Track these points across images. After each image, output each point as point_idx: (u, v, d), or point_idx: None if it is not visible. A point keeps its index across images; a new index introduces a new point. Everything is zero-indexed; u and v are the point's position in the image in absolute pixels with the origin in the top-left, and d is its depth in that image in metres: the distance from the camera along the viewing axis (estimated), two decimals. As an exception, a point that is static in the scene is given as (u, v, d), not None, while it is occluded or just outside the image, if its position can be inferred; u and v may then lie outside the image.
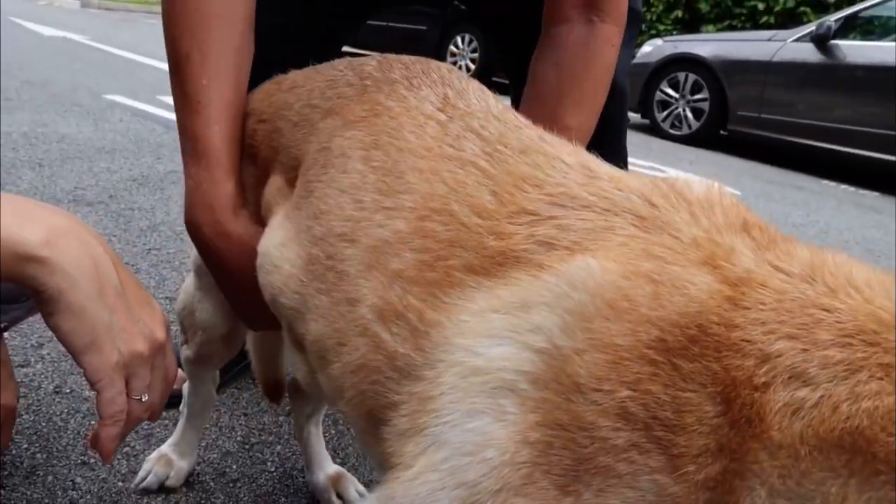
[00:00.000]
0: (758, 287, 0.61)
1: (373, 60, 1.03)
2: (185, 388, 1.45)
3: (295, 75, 1.12)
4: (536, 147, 0.82)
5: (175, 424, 1.66)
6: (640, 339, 0.61)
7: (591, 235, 0.70)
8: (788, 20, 10.37)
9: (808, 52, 7.22)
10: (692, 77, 7.96)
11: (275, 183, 1.04)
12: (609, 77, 1.30)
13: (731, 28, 11.52)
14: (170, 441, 1.48)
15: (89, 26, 10.15)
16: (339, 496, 1.46)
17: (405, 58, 1.02)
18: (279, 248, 0.95)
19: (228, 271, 1.06)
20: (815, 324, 0.57)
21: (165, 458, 1.45)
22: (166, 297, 2.30)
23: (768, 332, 0.58)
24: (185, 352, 1.34)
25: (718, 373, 0.58)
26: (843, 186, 6.85)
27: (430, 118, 0.89)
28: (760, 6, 11.31)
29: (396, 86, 0.95)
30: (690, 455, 0.57)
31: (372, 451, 0.93)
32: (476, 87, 0.96)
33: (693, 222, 0.69)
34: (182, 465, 1.46)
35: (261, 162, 1.08)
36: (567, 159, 0.80)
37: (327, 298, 0.85)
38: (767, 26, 10.58)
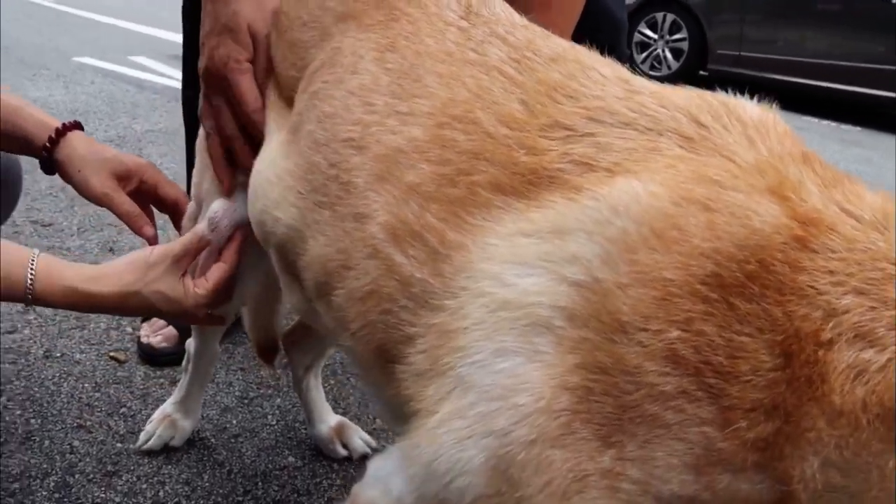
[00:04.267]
0: (826, 230, 0.55)
1: None
2: (189, 345, 1.42)
3: None
4: (569, 55, 0.74)
5: (171, 384, 1.63)
6: (692, 274, 0.55)
7: (634, 156, 0.63)
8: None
9: (786, -14, 7.15)
10: (670, 17, 7.87)
11: (273, 96, 0.97)
12: None
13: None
14: (172, 399, 1.45)
15: (53, -13, 9.83)
16: (344, 446, 1.43)
17: None
18: (277, 162, 0.88)
19: None
20: (886, 279, 0.51)
21: (169, 419, 1.42)
22: (152, 257, 2.25)
23: (836, 283, 0.52)
24: None
25: (779, 319, 0.52)
26: (826, 122, 6.83)
27: (451, 24, 0.81)
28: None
29: None
30: (742, 409, 0.52)
31: (379, 393, 0.86)
32: None
33: (750, 146, 0.62)
34: (185, 425, 1.43)
35: (279, 61, 1.00)
36: (603, 70, 0.72)
37: (329, 213, 0.77)
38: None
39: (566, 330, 0.58)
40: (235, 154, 1.03)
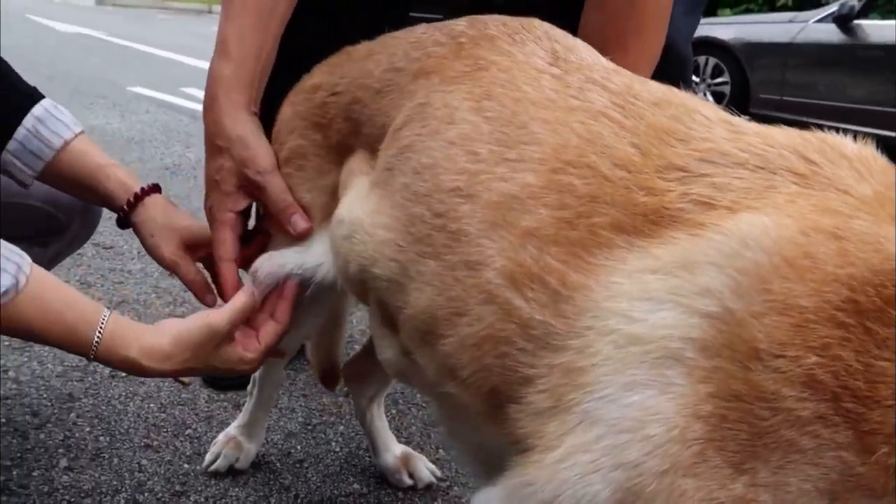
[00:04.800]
0: None
1: (461, 20, 0.97)
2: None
3: (368, 44, 1.07)
4: (671, 99, 0.76)
5: (235, 407, 1.65)
6: (827, 300, 0.55)
7: (752, 194, 0.64)
8: (806, 2, 10.25)
9: (829, 33, 7.13)
10: (713, 61, 7.89)
11: (359, 157, 1.00)
12: (661, 18, 1.22)
13: (749, 11, 11.39)
14: (237, 423, 1.46)
15: (104, 22, 10.15)
16: (410, 475, 1.43)
17: (499, 16, 0.95)
18: (371, 215, 0.89)
19: (206, 141, 1.09)
20: None
21: (234, 441, 1.43)
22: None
23: None
24: None
25: None
26: (869, 168, 6.78)
27: (543, 72, 0.83)
28: (777, -11, 11.20)
29: (497, 41, 0.89)
30: (883, 433, 0.52)
31: (470, 437, 0.87)
32: (583, 44, 0.90)
33: (861, 179, 0.63)
34: (250, 448, 1.44)
35: (334, 135, 1.04)
36: (706, 112, 0.74)
37: (436, 263, 0.78)
38: (785, 9, 10.47)
39: (698, 360, 0.59)
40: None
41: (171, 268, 1.15)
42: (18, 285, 0.93)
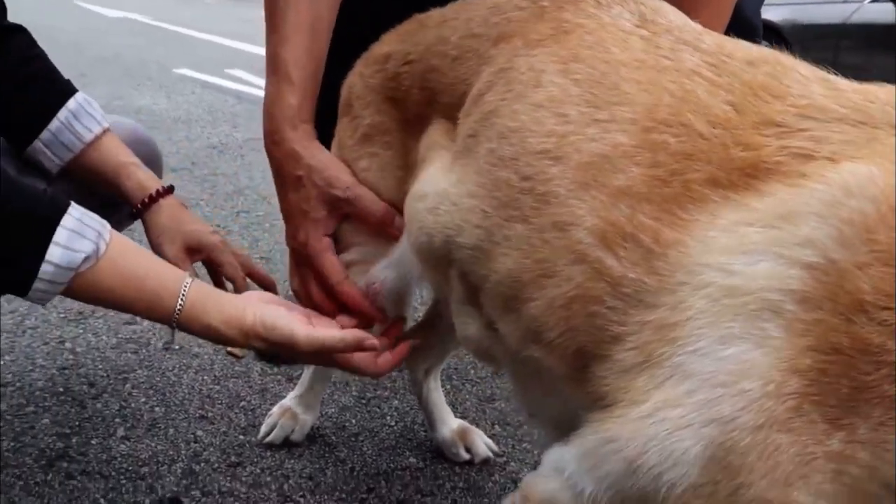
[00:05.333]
0: None
1: None
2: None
3: (441, 11, 1.04)
4: (766, 57, 0.74)
5: (288, 380, 1.64)
6: None
7: (853, 147, 0.62)
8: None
9: (885, 13, 6.94)
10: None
11: (437, 128, 0.98)
12: None
13: (798, -7, 11.13)
14: (293, 394, 1.45)
15: (150, 6, 10.25)
16: (468, 450, 1.41)
17: None
18: (456, 185, 0.88)
19: (279, 176, 1.10)
20: None
21: (290, 412, 1.42)
22: (262, 258, 2.28)
23: None
24: None
25: None
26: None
27: (631, 34, 0.81)
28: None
29: (582, 4, 0.86)
30: None
31: (549, 405, 0.85)
32: (669, 6, 0.87)
33: None
34: (306, 419, 1.42)
35: (411, 106, 1.02)
36: (802, 70, 0.72)
37: (523, 226, 0.77)
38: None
39: (797, 313, 0.57)
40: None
41: None
42: (98, 252, 0.94)
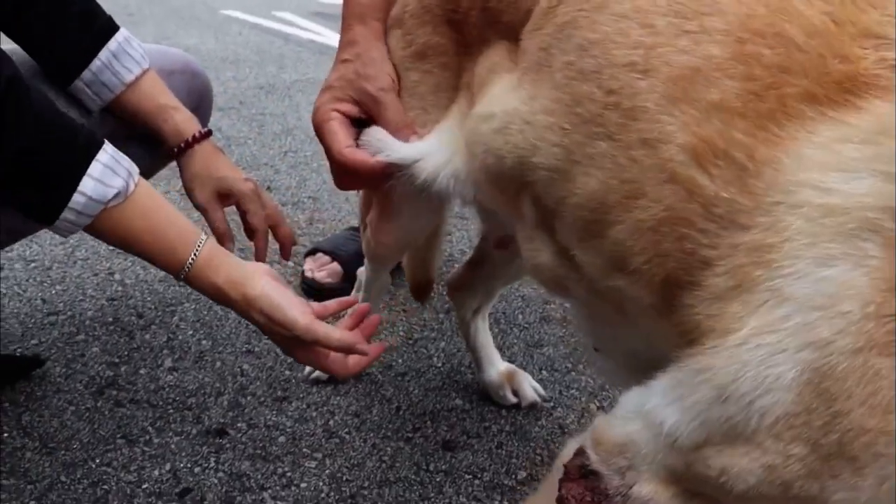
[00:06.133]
0: None
1: None
2: (361, 273, 1.39)
3: None
4: None
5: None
6: None
7: None
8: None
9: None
10: None
11: (498, 49, 0.93)
12: None
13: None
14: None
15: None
16: (514, 393, 1.38)
17: None
18: (528, 102, 0.83)
19: (339, 52, 1.10)
20: None
21: (336, 347, 1.40)
22: (309, 197, 2.26)
23: None
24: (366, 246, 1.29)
25: None
26: None
27: None
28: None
29: None
30: None
31: (627, 341, 0.82)
32: None
33: None
34: (353, 355, 1.41)
35: (471, 29, 0.97)
36: None
37: (608, 144, 0.72)
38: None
39: None
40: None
41: (201, 211, 1.25)
42: (128, 190, 0.95)
